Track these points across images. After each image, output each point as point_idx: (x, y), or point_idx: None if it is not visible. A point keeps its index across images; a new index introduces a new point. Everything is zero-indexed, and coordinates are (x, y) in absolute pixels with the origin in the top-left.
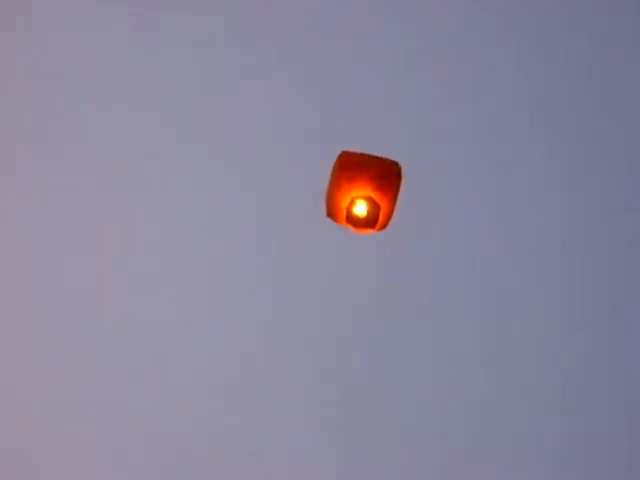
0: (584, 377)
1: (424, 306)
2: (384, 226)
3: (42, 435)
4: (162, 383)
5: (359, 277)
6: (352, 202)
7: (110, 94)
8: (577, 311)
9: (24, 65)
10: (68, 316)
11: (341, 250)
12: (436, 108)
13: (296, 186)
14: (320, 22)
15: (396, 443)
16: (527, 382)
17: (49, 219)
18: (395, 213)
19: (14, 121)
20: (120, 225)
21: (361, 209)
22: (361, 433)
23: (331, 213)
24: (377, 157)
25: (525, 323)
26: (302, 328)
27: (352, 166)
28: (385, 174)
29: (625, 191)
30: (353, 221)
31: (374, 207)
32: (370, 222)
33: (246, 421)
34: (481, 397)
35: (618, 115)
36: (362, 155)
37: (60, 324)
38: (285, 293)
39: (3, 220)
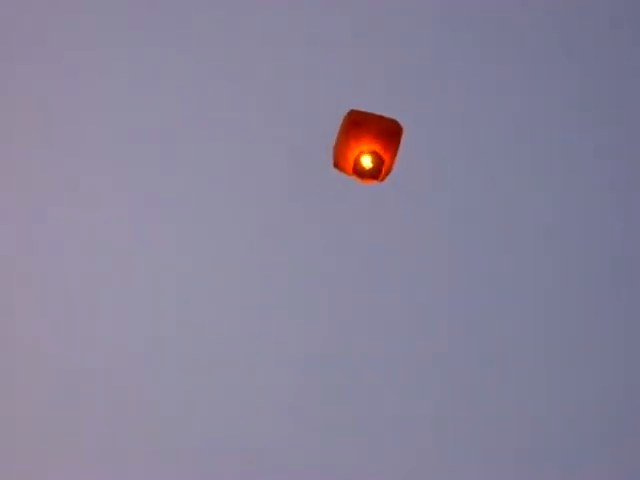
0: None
1: (416, 252)
2: (384, 178)
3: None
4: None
5: (360, 220)
6: (360, 155)
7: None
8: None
9: (23, 65)
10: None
11: (344, 197)
12: (435, 69)
13: (304, 140)
14: None
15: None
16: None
17: (49, 220)
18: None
19: (15, 121)
20: (123, 221)
21: (368, 162)
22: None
23: (339, 164)
24: (381, 116)
25: (525, 272)
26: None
27: (360, 123)
28: (388, 132)
29: None
30: (359, 172)
31: (379, 161)
32: (374, 174)
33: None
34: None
35: None
36: (368, 114)
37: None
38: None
39: (5, 221)
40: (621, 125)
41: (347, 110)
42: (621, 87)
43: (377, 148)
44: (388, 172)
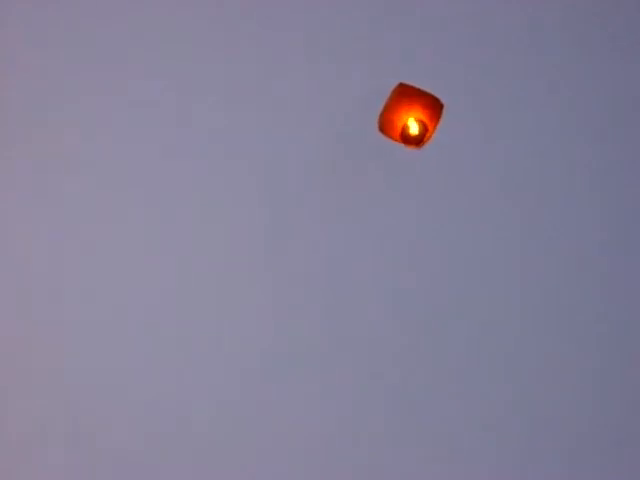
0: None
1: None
2: (424, 145)
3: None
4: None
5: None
6: (408, 122)
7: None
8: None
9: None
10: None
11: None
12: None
13: (352, 108)
14: None
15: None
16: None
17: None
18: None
19: (14, 121)
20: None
21: (415, 129)
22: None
23: (385, 129)
24: (427, 91)
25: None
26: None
27: (410, 95)
28: (433, 105)
29: None
30: (405, 138)
31: (423, 129)
32: (417, 141)
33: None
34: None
35: None
36: (416, 88)
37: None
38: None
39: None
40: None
41: (393, 84)
42: None
43: (423, 117)
44: (428, 140)
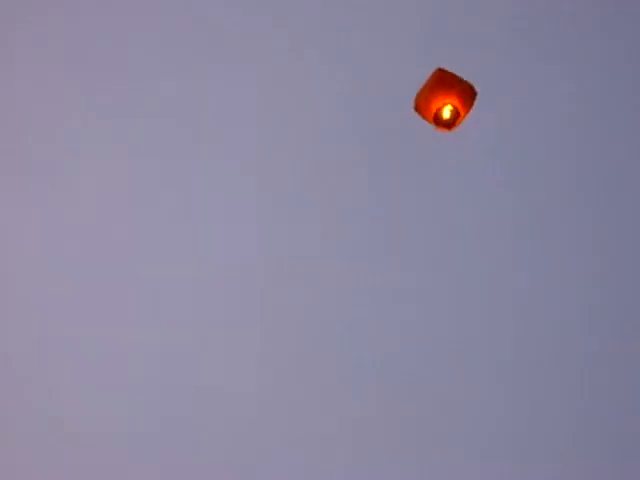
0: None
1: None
2: (454, 129)
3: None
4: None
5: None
6: (442, 106)
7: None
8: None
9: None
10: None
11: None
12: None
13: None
14: None
15: None
16: None
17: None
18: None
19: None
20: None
21: (447, 113)
22: None
23: (421, 109)
24: (463, 79)
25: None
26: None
27: (447, 80)
28: (468, 93)
29: None
30: (437, 120)
31: (456, 114)
32: (449, 124)
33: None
34: None
35: None
36: (453, 74)
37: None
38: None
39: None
40: None
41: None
42: None
43: (457, 104)
44: (459, 124)
